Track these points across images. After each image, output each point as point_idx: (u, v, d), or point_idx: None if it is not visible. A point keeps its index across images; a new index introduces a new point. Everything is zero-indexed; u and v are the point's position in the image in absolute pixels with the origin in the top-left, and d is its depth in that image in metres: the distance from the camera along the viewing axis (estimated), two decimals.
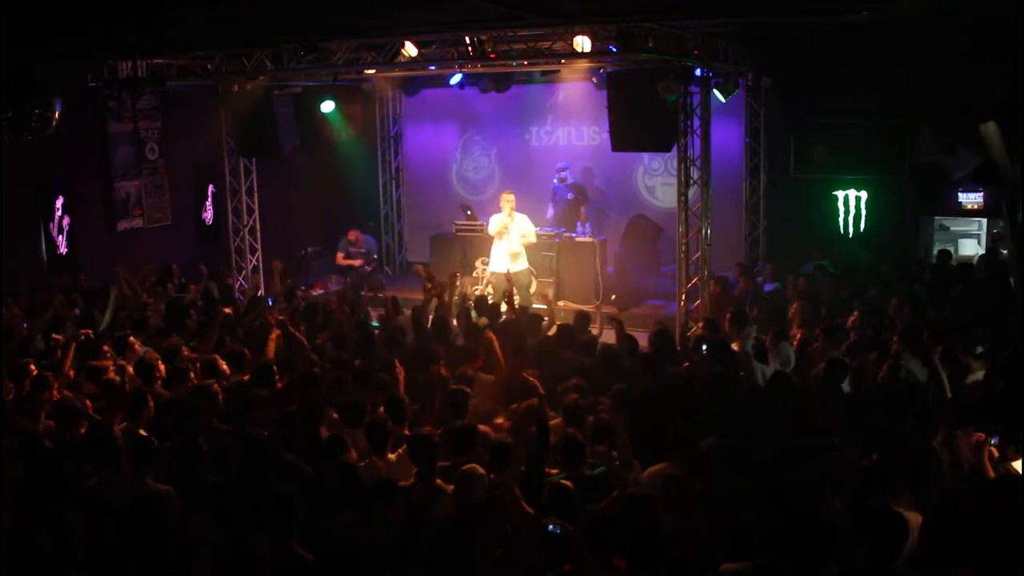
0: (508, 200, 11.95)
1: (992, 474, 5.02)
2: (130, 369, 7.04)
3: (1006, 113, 10.15)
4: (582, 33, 9.30)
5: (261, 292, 12.28)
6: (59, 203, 11.97)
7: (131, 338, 7.85)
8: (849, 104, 12.13)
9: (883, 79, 11.55)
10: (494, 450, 5.32)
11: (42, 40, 8.74)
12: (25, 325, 8.58)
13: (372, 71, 12.04)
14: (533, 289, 12.31)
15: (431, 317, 8.74)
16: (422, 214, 16.03)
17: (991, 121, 10.27)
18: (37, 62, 9.13)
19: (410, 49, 10.14)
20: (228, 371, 7.10)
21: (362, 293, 12.39)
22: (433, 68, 11.67)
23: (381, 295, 9.34)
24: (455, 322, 8.77)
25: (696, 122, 10.80)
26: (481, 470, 5.06)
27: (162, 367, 7.09)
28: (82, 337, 7.72)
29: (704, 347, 7.82)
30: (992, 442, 5.22)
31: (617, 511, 4.52)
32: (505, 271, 11.12)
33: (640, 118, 10.35)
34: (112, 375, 6.80)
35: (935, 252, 11.93)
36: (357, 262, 14.03)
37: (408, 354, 7.54)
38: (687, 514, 4.70)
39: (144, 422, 6.09)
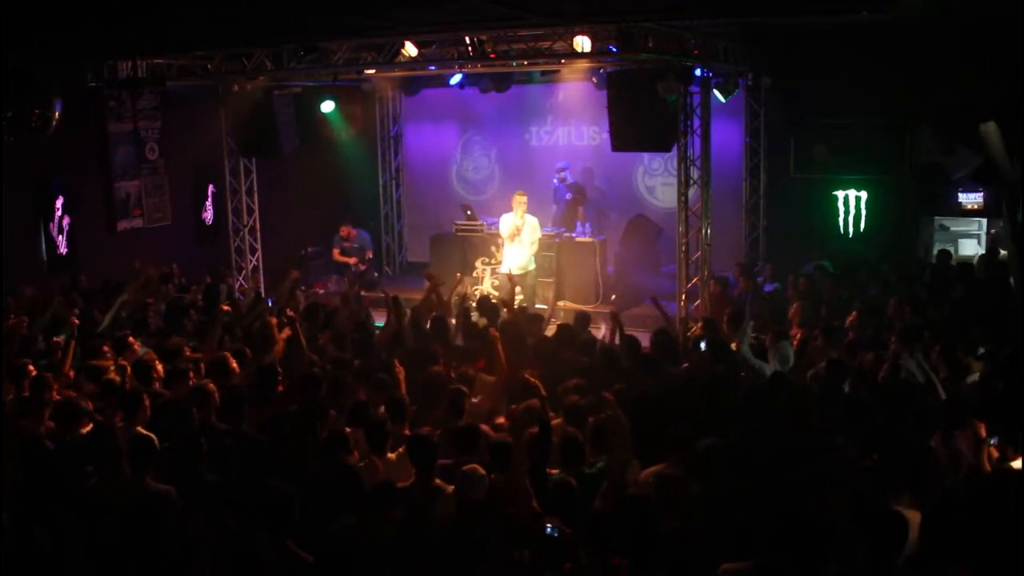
0: (520, 201, 11.92)
1: (991, 473, 5.02)
2: (129, 370, 7.04)
3: (1006, 113, 10.15)
4: (582, 33, 9.30)
5: (261, 292, 12.29)
6: (59, 203, 11.98)
7: (131, 338, 7.86)
8: (849, 104, 12.13)
9: (883, 79, 11.55)
10: (494, 450, 5.32)
11: (42, 40, 8.75)
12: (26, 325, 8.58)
13: (372, 71, 12.04)
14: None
15: (429, 317, 8.74)
16: (422, 214, 16.03)
17: (991, 121, 10.27)
18: (37, 62, 9.13)
19: (410, 49, 10.15)
20: (237, 369, 7.12)
21: (362, 293, 12.41)
22: (433, 68, 11.67)
23: (382, 294, 9.32)
24: (454, 322, 8.77)
25: (696, 122, 10.81)
26: (481, 470, 5.07)
27: (160, 367, 7.09)
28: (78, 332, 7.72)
29: (703, 346, 7.82)
30: (992, 442, 5.23)
31: (616, 511, 4.53)
32: (508, 272, 11.12)
33: (640, 118, 10.34)
34: (112, 375, 6.80)
35: (935, 252, 11.93)
36: (352, 260, 13.98)
37: (407, 354, 7.54)
38: (685, 514, 4.70)
39: (142, 422, 6.09)
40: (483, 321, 8.67)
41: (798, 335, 8.13)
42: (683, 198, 10.90)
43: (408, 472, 5.33)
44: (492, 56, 10.04)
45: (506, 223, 12.01)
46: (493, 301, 9.64)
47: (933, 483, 4.86)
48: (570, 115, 14.56)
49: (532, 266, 12.10)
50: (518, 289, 10.43)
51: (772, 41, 11.57)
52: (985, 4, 9.18)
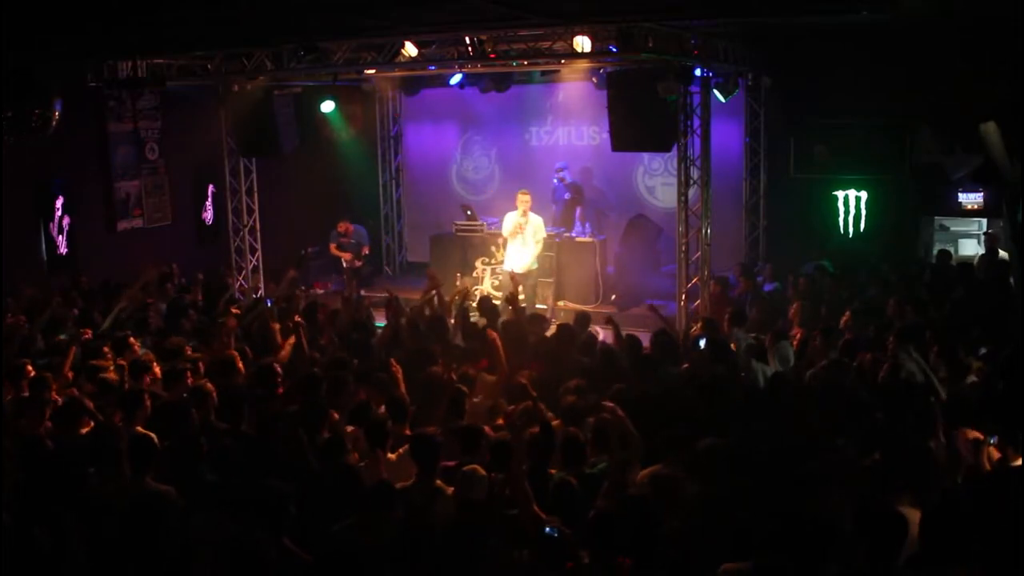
0: (523, 200, 11.92)
1: (991, 473, 5.02)
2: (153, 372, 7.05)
3: (1006, 113, 10.16)
4: (582, 33, 9.30)
5: (261, 293, 12.29)
6: (59, 203, 11.98)
7: (131, 339, 7.85)
8: (849, 104, 12.14)
9: (883, 79, 11.56)
10: (495, 449, 5.32)
11: (42, 40, 8.75)
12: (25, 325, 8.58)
13: (372, 71, 12.04)
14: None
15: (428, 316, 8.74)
16: (422, 214, 16.03)
17: (991, 121, 10.27)
18: (37, 62, 9.13)
19: (410, 49, 10.15)
20: (243, 369, 7.12)
21: (362, 293, 12.41)
22: (433, 68, 11.67)
23: (385, 293, 9.33)
24: (453, 322, 8.77)
25: (696, 122, 10.81)
26: (482, 471, 5.07)
27: (157, 368, 7.09)
28: (83, 338, 7.72)
29: (702, 346, 7.83)
30: (992, 442, 5.22)
31: (617, 511, 4.53)
32: (511, 271, 11.10)
33: (640, 118, 10.34)
34: (112, 375, 6.80)
35: (935, 252, 11.93)
36: (347, 255, 13.96)
37: (405, 354, 7.54)
38: (685, 514, 4.70)
39: (141, 421, 6.09)
40: (483, 321, 8.67)
41: (798, 335, 8.13)
42: (683, 198, 10.90)
43: (408, 472, 5.33)
44: (492, 56, 10.04)
45: (508, 221, 12.02)
46: (494, 301, 9.64)
47: (933, 483, 4.86)
48: (570, 115, 14.55)
49: (535, 266, 12.10)
50: (520, 288, 10.42)
51: (772, 41, 11.57)
52: (985, 4, 9.18)
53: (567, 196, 13.58)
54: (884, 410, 6.00)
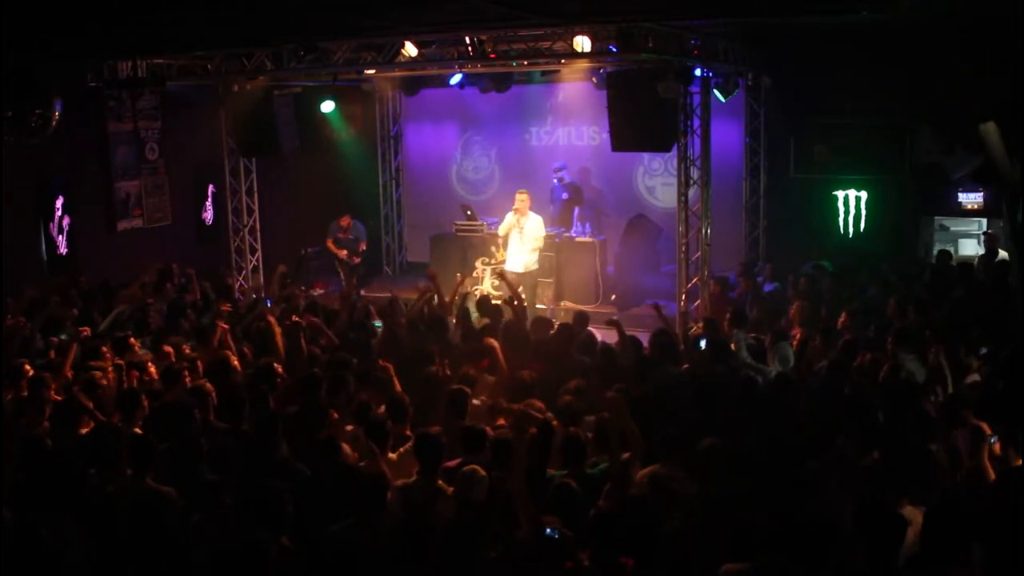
0: (519, 199, 11.93)
1: (992, 473, 5.02)
2: (139, 372, 7.05)
3: (1006, 113, 10.15)
4: (582, 33, 9.31)
5: (260, 293, 12.28)
6: (59, 203, 11.98)
7: (131, 339, 7.85)
8: (849, 104, 12.14)
9: (883, 79, 11.55)
10: (496, 447, 5.32)
11: (42, 40, 8.75)
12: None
13: (372, 71, 12.04)
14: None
15: (427, 316, 8.74)
16: (422, 214, 16.03)
17: (991, 121, 10.27)
18: (37, 62, 9.13)
19: (410, 49, 10.15)
20: (240, 368, 7.11)
21: (362, 292, 12.40)
22: (433, 68, 11.66)
23: (387, 294, 9.33)
24: (454, 321, 8.76)
25: (696, 122, 10.81)
26: (482, 471, 5.06)
27: (153, 368, 7.09)
28: (82, 336, 7.73)
29: (703, 346, 7.83)
30: (992, 441, 5.22)
31: (618, 511, 4.53)
32: (500, 268, 11.08)
33: (640, 118, 10.34)
34: (105, 376, 6.81)
35: (935, 252, 11.93)
36: (342, 252, 13.92)
37: (404, 354, 7.54)
38: (684, 514, 4.70)
39: (139, 422, 6.09)
40: (483, 321, 8.67)
41: (798, 335, 8.13)
42: (683, 198, 10.90)
43: (409, 471, 5.33)
44: (492, 56, 10.04)
45: (505, 221, 12.04)
46: (494, 302, 9.64)
47: (933, 483, 4.86)
48: (570, 115, 14.56)
49: (535, 266, 12.11)
50: (520, 289, 10.41)
51: (772, 41, 11.57)
52: (985, 4, 9.18)
53: (565, 196, 13.59)
54: (884, 410, 6.00)
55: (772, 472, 5.12)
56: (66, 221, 12.05)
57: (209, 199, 13.98)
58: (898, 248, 12.42)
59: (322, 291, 13.87)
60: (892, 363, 6.82)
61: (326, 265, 14.60)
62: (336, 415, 6.16)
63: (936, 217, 12.97)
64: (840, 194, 12.97)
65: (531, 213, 11.97)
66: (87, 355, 7.50)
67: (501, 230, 12.12)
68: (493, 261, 12.94)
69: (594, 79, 12.59)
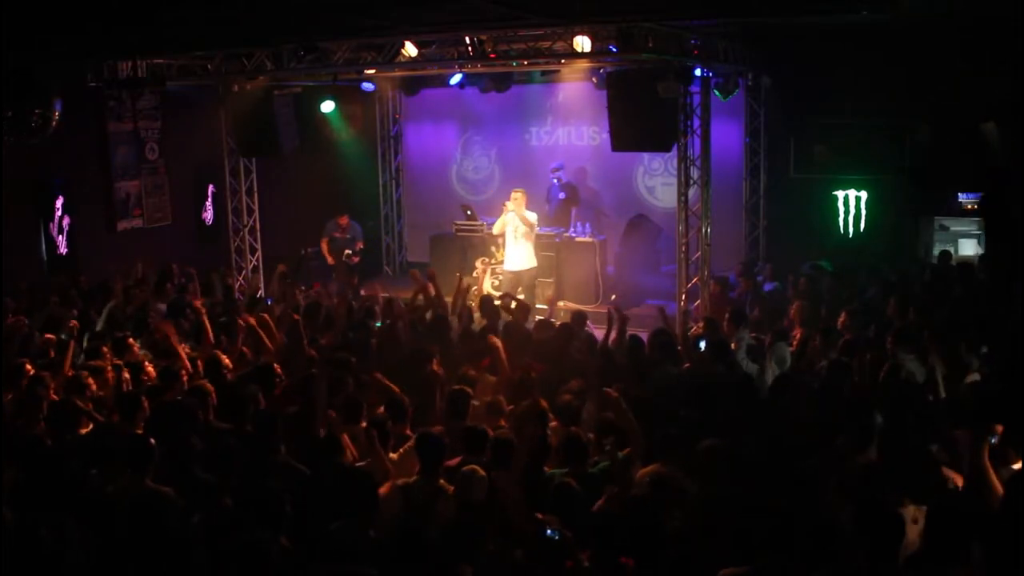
0: (513, 198, 11.92)
1: (992, 474, 5.01)
2: (126, 371, 7.04)
3: (1006, 113, 10.16)
4: (582, 33, 9.30)
5: (261, 293, 12.28)
6: (59, 203, 11.98)
7: (131, 339, 7.85)
8: (849, 104, 12.14)
9: (883, 79, 11.56)
10: (496, 446, 5.32)
11: (42, 40, 8.75)
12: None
13: (372, 71, 12.04)
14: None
15: (428, 316, 8.73)
16: (422, 214, 16.02)
17: (991, 121, 10.27)
18: (37, 62, 9.13)
19: (410, 49, 10.15)
20: (232, 366, 7.11)
21: (361, 292, 12.37)
22: (433, 68, 11.66)
23: (382, 292, 9.32)
24: (456, 321, 8.77)
25: (696, 122, 10.80)
26: (481, 472, 5.06)
27: (151, 369, 7.09)
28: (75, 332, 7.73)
29: (703, 347, 7.83)
30: (992, 441, 5.21)
31: (618, 511, 4.53)
32: (485, 260, 11.05)
33: (640, 118, 10.33)
34: (105, 376, 6.81)
35: (935, 252, 11.92)
36: (331, 259, 13.84)
37: (404, 354, 7.54)
38: (684, 514, 4.70)
39: (139, 422, 6.08)
40: (484, 321, 8.67)
41: (799, 335, 8.13)
42: (683, 198, 10.90)
43: (410, 471, 5.33)
44: (492, 56, 10.04)
45: (498, 220, 12.06)
46: (495, 302, 9.64)
47: (933, 483, 4.86)
48: (570, 115, 14.56)
49: (533, 264, 12.11)
50: (519, 289, 10.43)
51: (772, 41, 11.57)
52: (985, 4, 9.19)
53: (562, 196, 13.59)
54: (884, 410, 6.00)
55: (772, 472, 5.11)
56: (66, 221, 12.05)
57: (209, 199, 13.98)
58: (898, 248, 12.42)
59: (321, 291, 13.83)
60: (892, 363, 6.82)
61: (326, 265, 14.58)
62: (335, 415, 6.16)
63: (936, 217, 12.96)
64: (840, 194, 12.97)
65: (526, 212, 11.96)
66: (86, 355, 7.50)
67: (496, 229, 12.14)
68: (493, 261, 12.95)
69: (594, 79, 12.59)
